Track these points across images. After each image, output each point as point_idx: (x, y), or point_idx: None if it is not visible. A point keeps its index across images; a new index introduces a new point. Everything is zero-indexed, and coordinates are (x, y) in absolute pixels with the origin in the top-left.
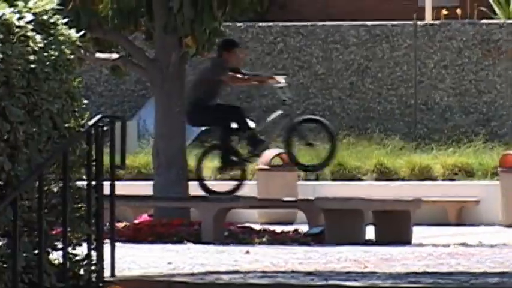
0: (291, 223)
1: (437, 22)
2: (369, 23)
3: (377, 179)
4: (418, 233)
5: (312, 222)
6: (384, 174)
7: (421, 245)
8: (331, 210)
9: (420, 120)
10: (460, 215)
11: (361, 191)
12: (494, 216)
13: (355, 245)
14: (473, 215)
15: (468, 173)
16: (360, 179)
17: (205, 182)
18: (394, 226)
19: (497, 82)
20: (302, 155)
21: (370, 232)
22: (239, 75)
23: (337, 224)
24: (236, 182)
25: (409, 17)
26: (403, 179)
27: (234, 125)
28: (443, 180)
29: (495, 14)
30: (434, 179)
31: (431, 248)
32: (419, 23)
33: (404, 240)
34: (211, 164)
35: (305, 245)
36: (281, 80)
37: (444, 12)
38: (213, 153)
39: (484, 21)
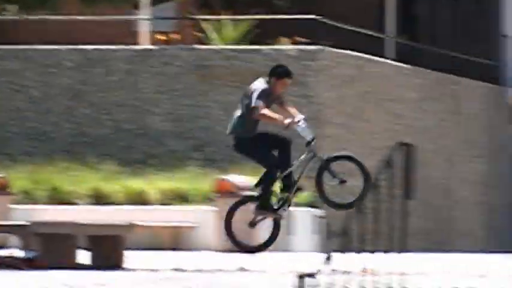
0: (2, 247)
1: (153, 47)
2: (85, 47)
3: (92, 204)
4: (133, 257)
5: (25, 247)
6: (100, 199)
7: (135, 269)
8: (44, 234)
9: (136, 145)
10: (176, 240)
11: (77, 215)
12: (210, 241)
13: (69, 270)
14: (188, 240)
15: (183, 198)
16: (75, 203)
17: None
18: (108, 250)
19: (212, 107)
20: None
21: (86, 256)
22: (268, 113)
23: (50, 249)
24: (269, 236)
25: (126, 41)
26: (118, 204)
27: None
28: (158, 205)
29: (211, 39)
30: (150, 203)
31: (145, 272)
32: (135, 47)
33: (118, 264)
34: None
35: (18, 270)
36: (301, 120)
37: (161, 37)
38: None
39: (200, 46)
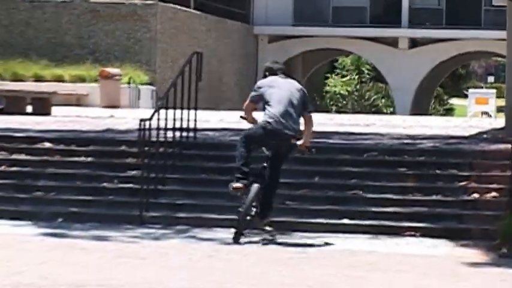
0: None
1: None
2: None
3: (34, 81)
4: (56, 110)
5: None
6: (38, 79)
7: (56, 116)
8: (9, 95)
9: None
10: (78, 101)
11: (25, 86)
12: (97, 102)
13: (21, 115)
14: (85, 101)
15: (83, 80)
16: (24, 81)
17: None
18: (43, 105)
19: None
20: None
21: (30, 108)
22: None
23: (12, 103)
24: None
25: None
26: (48, 81)
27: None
28: (71, 83)
29: None
30: (66, 82)
31: (61, 117)
32: None
33: (48, 113)
34: None
35: None
36: None
37: None
38: None
39: None
